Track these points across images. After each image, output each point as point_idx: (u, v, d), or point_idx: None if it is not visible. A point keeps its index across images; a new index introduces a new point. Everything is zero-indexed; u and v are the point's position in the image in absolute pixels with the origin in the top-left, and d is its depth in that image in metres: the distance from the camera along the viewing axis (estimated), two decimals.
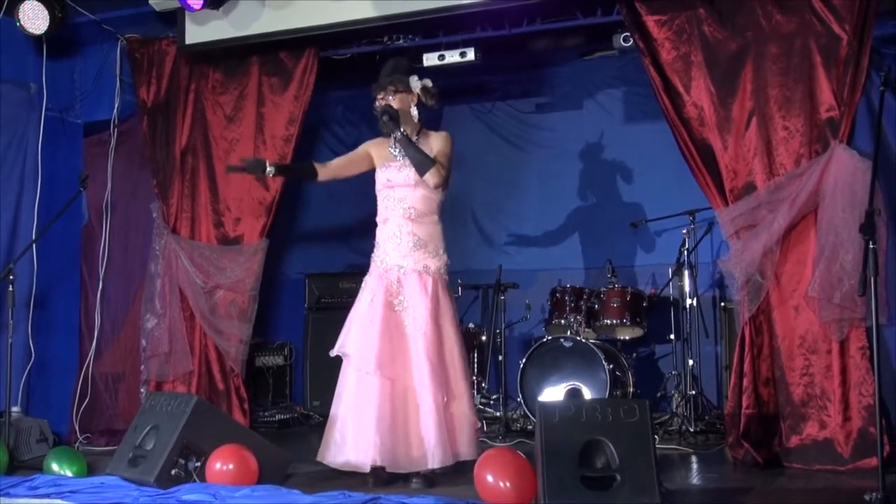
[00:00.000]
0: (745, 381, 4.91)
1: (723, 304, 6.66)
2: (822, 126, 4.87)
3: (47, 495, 4.20)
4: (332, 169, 4.89)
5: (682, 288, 6.27)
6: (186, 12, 5.99)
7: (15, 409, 5.80)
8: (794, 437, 4.85)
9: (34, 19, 6.01)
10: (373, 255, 4.75)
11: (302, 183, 7.76)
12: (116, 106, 6.56)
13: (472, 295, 7.32)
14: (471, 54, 5.93)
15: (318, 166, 4.86)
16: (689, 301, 6.21)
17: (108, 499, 4.10)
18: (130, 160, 6.66)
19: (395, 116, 4.58)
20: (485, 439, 5.91)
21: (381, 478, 4.43)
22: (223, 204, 6.27)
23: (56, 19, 6.03)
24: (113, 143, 6.58)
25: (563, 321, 6.42)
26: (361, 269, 7.17)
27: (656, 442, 3.85)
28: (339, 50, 6.19)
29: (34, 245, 5.96)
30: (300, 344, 7.58)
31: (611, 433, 3.73)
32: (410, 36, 6.00)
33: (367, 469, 4.42)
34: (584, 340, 6.11)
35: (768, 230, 4.88)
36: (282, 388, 7.53)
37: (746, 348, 4.93)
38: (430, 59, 5.99)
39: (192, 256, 6.17)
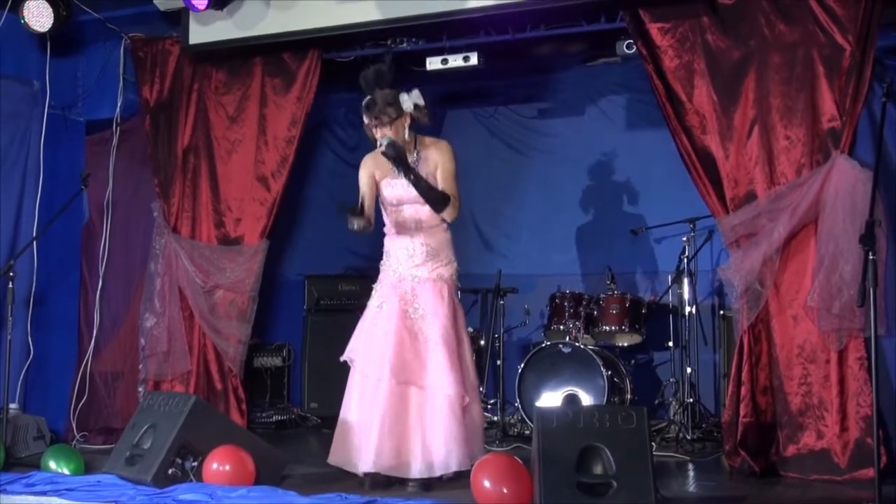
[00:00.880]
0: (743, 390, 4.91)
1: (722, 312, 6.65)
2: (823, 136, 4.88)
3: (44, 493, 4.21)
4: (370, 212, 4.72)
5: (681, 295, 6.28)
6: (190, 12, 5.99)
7: (13, 405, 5.81)
8: (791, 447, 4.85)
9: (39, 17, 6.02)
10: (382, 263, 4.76)
11: (303, 184, 7.78)
12: (119, 104, 6.56)
13: (471, 299, 7.31)
14: (474, 59, 5.94)
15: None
16: (688, 309, 6.21)
17: (105, 497, 4.10)
18: (132, 159, 6.67)
19: (402, 157, 4.48)
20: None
21: (378, 481, 4.43)
22: (224, 204, 6.27)
23: (60, 17, 6.04)
24: (115, 141, 6.58)
25: (561, 327, 6.42)
26: (361, 272, 7.23)
27: (653, 449, 3.84)
28: (342, 52, 6.19)
29: (35, 242, 5.96)
30: (299, 345, 7.58)
31: (608, 440, 3.74)
32: (414, 39, 6.00)
33: (366, 473, 4.43)
34: (582, 346, 6.11)
35: (768, 239, 4.89)
36: (279, 390, 7.52)
37: (745, 357, 4.94)
38: (433, 63, 6.00)
39: (193, 256, 6.17)
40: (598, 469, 3.72)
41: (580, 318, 6.38)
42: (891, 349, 4.91)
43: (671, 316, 6.43)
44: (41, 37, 6.17)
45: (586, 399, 6.00)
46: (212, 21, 6.06)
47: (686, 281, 6.20)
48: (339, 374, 4.78)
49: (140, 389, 6.15)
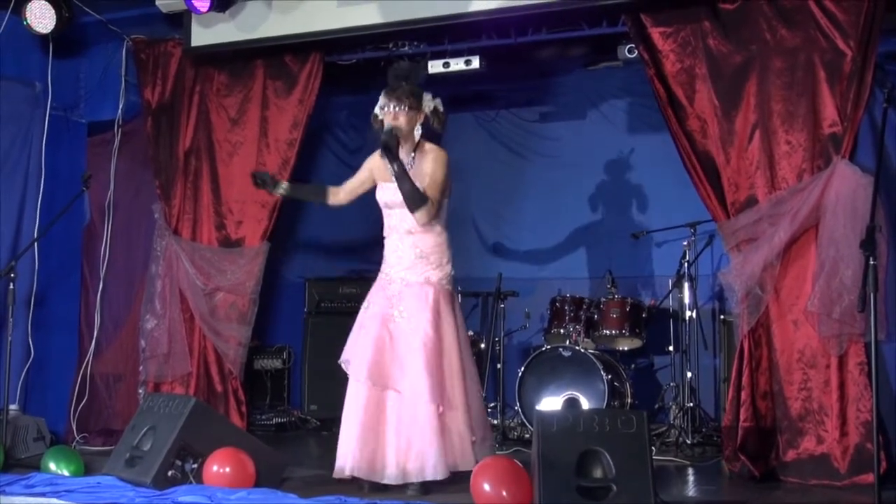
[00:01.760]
0: (743, 395, 4.91)
1: (722, 316, 6.66)
2: (824, 141, 4.88)
3: (43, 494, 4.21)
4: (344, 193, 4.94)
5: (681, 300, 6.28)
6: (193, 14, 5.99)
7: (13, 406, 5.80)
8: (790, 452, 4.85)
9: (41, 18, 6.03)
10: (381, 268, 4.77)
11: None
12: (121, 106, 6.58)
13: (472, 302, 7.32)
14: (476, 62, 5.94)
15: (330, 190, 4.93)
16: (688, 313, 6.21)
17: (105, 499, 4.11)
18: (133, 161, 6.68)
19: (394, 147, 4.49)
20: None
21: (378, 484, 4.42)
22: (225, 206, 6.28)
23: (63, 19, 6.05)
24: (116, 143, 6.59)
25: (562, 330, 6.42)
26: (361, 275, 7.22)
27: (653, 453, 3.84)
28: (344, 55, 6.20)
29: (36, 243, 5.96)
30: (299, 348, 7.58)
31: (608, 444, 3.74)
32: (416, 43, 6.01)
33: (349, 477, 4.43)
34: (582, 350, 6.11)
35: (769, 244, 4.89)
36: (279, 392, 7.52)
37: (745, 361, 4.93)
38: (434, 67, 5.99)
39: (193, 258, 6.18)
40: (597, 473, 3.71)
41: (581, 321, 6.38)
42: (891, 354, 4.91)
43: (671, 320, 6.43)
44: (43, 38, 6.18)
45: (586, 403, 6.00)
46: (214, 23, 6.07)
47: (686, 285, 6.20)
48: (340, 376, 4.77)
49: (140, 391, 6.15)
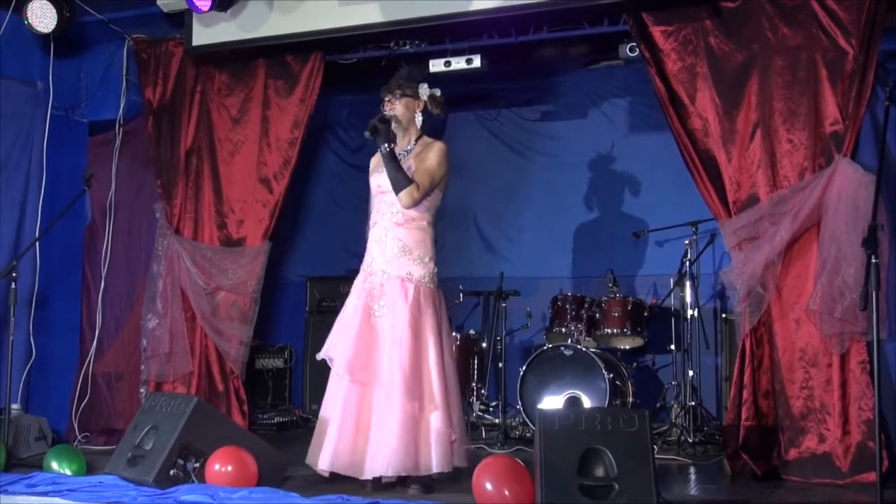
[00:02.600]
0: (745, 393, 4.91)
1: (724, 315, 6.67)
2: (826, 140, 4.88)
3: (45, 493, 4.21)
4: None
5: (683, 299, 6.28)
6: (194, 14, 6.00)
7: (15, 406, 5.80)
8: (792, 450, 4.85)
9: (42, 18, 6.03)
10: (364, 259, 4.76)
11: (305, 186, 7.79)
12: (122, 106, 6.58)
13: (473, 301, 7.32)
14: (477, 61, 5.94)
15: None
16: (689, 312, 6.21)
17: (107, 498, 4.10)
18: (135, 160, 6.68)
19: (383, 130, 4.53)
20: (483, 446, 5.92)
21: (380, 483, 4.42)
22: (227, 206, 6.28)
23: (64, 18, 6.05)
24: (118, 142, 6.60)
25: (563, 329, 6.42)
26: None
27: (655, 452, 3.84)
28: (345, 54, 6.20)
29: (37, 243, 5.97)
30: (300, 347, 7.59)
31: (610, 442, 3.73)
32: (417, 42, 6.00)
33: (326, 474, 4.43)
34: (584, 349, 6.11)
35: (770, 243, 4.89)
36: (281, 391, 7.53)
37: (747, 360, 4.93)
38: (436, 66, 5.99)
39: (195, 257, 6.18)
40: (599, 472, 3.71)
41: (582, 320, 6.38)
42: (893, 353, 4.91)
43: (673, 319, 6.43)
44: (44, 38, 6.18)
45: (588, 402, 6.00)
46: (215, 23, 6.07)
47: (688, 284, 6.20)
48: None
49: (142, 390, 6.16)
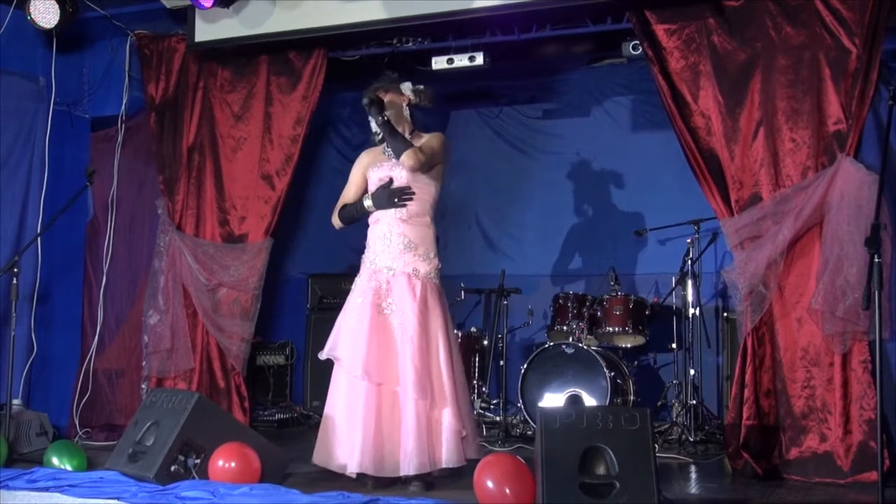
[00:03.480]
0: (746, 392, 4.91)
1: (725, 314, 6.66)
2: (829, 139, 4.87)
3: (46, 489, 4.20)
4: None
5: (684, 297, 6.27)
6: (197, 10, 6.01)
7: (16, 401, 5.82)
8: (793, 450, 4.85)
9: (45, 13, 6.03)
10: (363, 256, 4.74)
11: (307, 183, 7.78)
12: (124, 102, 6.59)
13: (475, 299, 7.32)
14: (479, 58, 5.93)
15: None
16: (691, 311, 6.20)
17: (107, 494, 4.10)
18: (137, 156, 6.69)
19: (378, 103, 4.60)
20: (484, 444, 5.91)
21: (380, 480, 4.42)
22: (229, 202, 6.28)
23: (66, 14, 6.05)
24: (120, 138, 6.60)
25: (565, 327, 6.42)
26: None
27: (656, 451, 3.84)
28: (347, 51, 6.19)
29: (39, 238, 5.97)
30: (301, 344, 7.59)
31: (611, 440, 3.73)
32: (420, 39, 6.00)
33: (354, 475, 4.41)
34: (585, 347, 6.11)
35: (773, 241, 4.88)
36: (282, 388, 7.53)
37: (748, 359, 4.93)
38: (438, 63, 5.99)
39: (196, 254, 6.18)
40: (600, 470, 3.71)
41: (583, 319, 6.38)
42: (895, 352, 4.91)
43: (675, 318, 6.43)
44: (47, 33, 6.19)
45: (589, 400, 6.00)
46: (218, 19, 6.07)
47: (690, 283, 6.19)
48: None
49: (143, 386, 6.16)
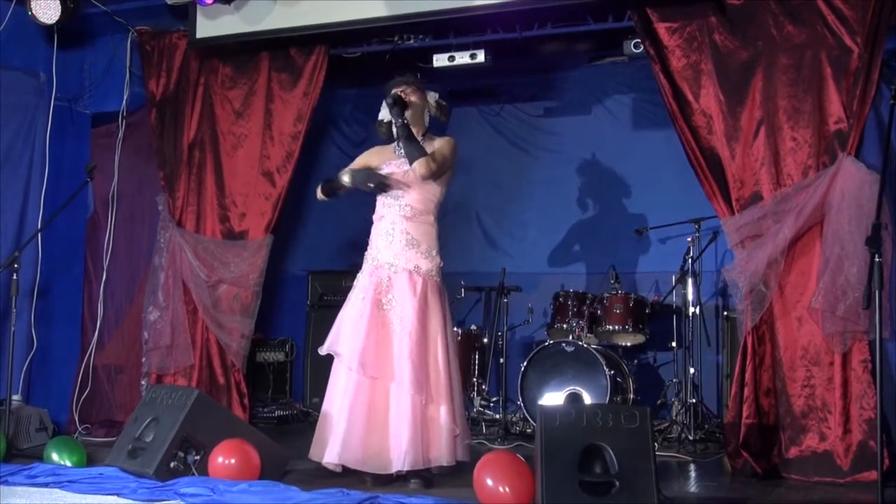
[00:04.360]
0: (746, 391, 4.90)
1: (725, 313, 6.66)
2: (830, 138, 4.87)
3: (46, 485, 4.22)
4: None
5: (685, 296, 6.26)
6: (198, 6, 6.01)
7: (15, 397, 5.82)
8: (793, 449, 4.85)
9: (46, 9, 6.03)
10: (366, 252, 4.75)
11: (307, 180, 7.78)
12: (125, 98, 6.58)
13: (475, 297, 7.32)
14: (481, 56, 5.92)
15: None
16: (691, 309, 6.20)
17: (107, 490, 4.11)
18: (138, 152, 6.68)
19: (403, 104, 4.61)
20: (484, 441, 5.93)
21: (380, 477, 4.42)
22: (229, 199, 6.27)
23: (68, 9, 6.05)
24: (121, 134, 6.60)
25: (565, 326, 6.42)
26: None
27: (656, 449, 3.84)
28: (349, 48, 6.18)
29: (39, 234, 5.97)
30: (301, 341, 7.59)
31: (611, 439, 3.73)
32: (421, 36, 5.99)
33: (332, 466, 4.42)
34: (585, 346, 6.11)
35: (773, 240, 4.88)
36: (282, 385, 7.53)
37: (748, 358, 4.93)
38: (439, 60, 5.98)
39: (197, 250, 6.18)
40: (600, 468, 3.71)
41: (584, 317, 6.38)
42: (895, 352, 4.90)
43: (675, 316, 6.43)
44: (48, 29, 6.18)
45: (589, 398, 6.00)
46: (219, 15, 6.06)
47: (690, 281, 6.19)
48: None
49: (143, 383, 6.16)
